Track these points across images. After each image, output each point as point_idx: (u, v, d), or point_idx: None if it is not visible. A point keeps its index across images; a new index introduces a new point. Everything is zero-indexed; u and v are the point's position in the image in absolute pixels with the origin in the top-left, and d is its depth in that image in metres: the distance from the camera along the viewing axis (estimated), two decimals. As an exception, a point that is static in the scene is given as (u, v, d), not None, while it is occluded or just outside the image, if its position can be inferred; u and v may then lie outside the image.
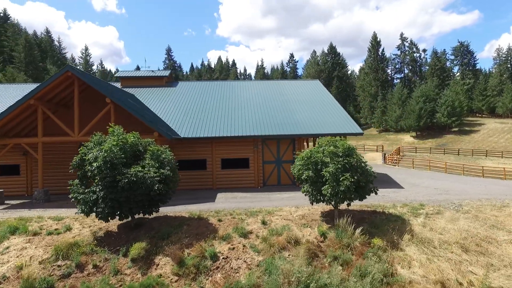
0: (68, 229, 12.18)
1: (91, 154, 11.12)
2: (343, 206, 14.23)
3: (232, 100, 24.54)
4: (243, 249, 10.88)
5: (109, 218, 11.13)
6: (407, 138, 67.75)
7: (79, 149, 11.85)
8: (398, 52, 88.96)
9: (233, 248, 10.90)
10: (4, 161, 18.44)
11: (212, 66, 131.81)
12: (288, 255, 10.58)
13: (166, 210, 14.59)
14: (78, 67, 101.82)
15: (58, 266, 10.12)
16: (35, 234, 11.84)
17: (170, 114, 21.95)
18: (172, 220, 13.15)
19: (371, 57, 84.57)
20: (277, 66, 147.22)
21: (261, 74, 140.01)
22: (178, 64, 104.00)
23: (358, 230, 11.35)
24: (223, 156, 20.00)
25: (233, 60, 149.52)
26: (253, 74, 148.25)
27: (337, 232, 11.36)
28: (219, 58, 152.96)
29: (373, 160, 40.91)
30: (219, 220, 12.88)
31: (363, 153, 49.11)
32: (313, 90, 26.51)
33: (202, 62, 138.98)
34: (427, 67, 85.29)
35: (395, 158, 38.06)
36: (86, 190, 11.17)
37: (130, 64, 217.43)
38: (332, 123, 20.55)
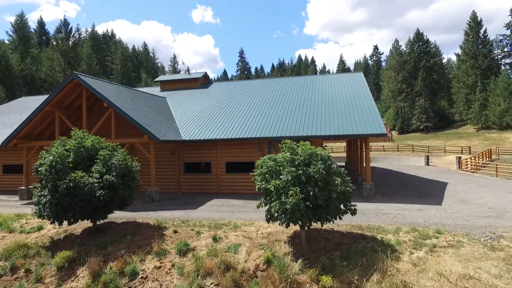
0: (39, 229, 12.74)
1: (44, 158, 11.29)
2: (327, 226, 11.68)
3: (249, 100, 23.05)
4: (169, 269, 9.57)
5: (59, 222, 11.10)
6: (514, 138, 54.84)
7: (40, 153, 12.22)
8: (508, 32, 72.87)
9: (159, 267, 9.68)
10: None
11: (292, 63, 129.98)
12: (211, 284, 8.86)
13: (142, 216, 14.23)
14: (166, 75, 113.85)
15: (-2, 266, 10.48)
16: (11, 231, 12.70)
17: (185, 115, 21.73)
18: (135, 226, 12.62)
19: (468, 41, 71.25)
20: (360, 60, 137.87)
21: (341, 69, 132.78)
22: (249, 66, 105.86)
23: (297, 263, 8.87)
24: (228, 159, 18.77)
25: (312, 57, 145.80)
26: (333, 70, 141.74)
27: (278, 262, 9.07)
28: (299, 57, 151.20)
29: (449, 164, 34.04)
30: (175, 232, 11.79)
31: (441, 155, 41.57)
32: (349, 84, 23.05)
33: (279, 61, 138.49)
34: (550, 48, 67.71)
35: (477, 163, 30.80)
36: (39, 194, 11.41)
37: (221, 69, 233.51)
38: (354, 122, 17.29)
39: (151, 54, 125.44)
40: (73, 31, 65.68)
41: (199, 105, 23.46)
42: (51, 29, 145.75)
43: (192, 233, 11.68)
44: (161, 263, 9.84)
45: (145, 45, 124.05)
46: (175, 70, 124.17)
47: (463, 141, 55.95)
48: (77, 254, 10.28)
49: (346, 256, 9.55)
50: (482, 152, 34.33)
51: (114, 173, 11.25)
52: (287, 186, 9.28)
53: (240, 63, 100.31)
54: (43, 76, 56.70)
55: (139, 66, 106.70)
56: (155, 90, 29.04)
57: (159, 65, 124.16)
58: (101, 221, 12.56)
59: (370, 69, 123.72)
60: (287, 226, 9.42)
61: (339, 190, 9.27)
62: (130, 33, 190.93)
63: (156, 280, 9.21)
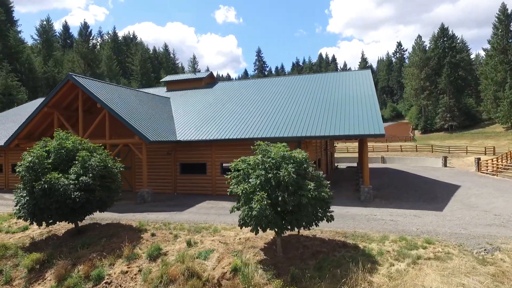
0: (24, 229, 12.90)
1: (24, 159, 11.37)
2: (309, 232, 11.06)
3: (248, 100, 22.56)
4: (135, 275, 9.30)
5: (37, 223, 11.14)
6: (547, 137, 51.11)
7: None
8: (542, 24, 67.91)
9: (126, 272, 9.44)
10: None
11: (311, 62, 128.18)
12: (171, 292, 8.50)
13: (127, 217, 14.13)
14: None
15: (-24, 266, 10.62)
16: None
17: (185, 115, 21.58)
18: (117, 228, 12.50)
19: (497, 35, 67.11)
20: (383, 58, 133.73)
21: (362, 67, 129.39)
22: (267, 65, 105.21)
23: (263, 273, 8.33)
24: (223, 160, 18.40)
25: (333, 56, 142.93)
26: (355, 68, 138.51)
27: (243, 271, 8.57)
28: (320, 55, 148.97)
29: (468, 166, 32.04)
30: (152, 235, 11.56)
31: (462, 156, 39.30)
32: (353, 82, 22.03)
33: (296, 60, 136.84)
34: None
35: (499, 165, 28.75)
36: (19, 194, 11.49)
37: (243, 68, 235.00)
38: (350, 122, 16.41)
39: (171, 55, 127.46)
40: (93, 34, 67.69)
41: (200, 105, 23.26)
42: (76, 33, 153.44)
43: (169, 237, 11.40)
44: (129, 267, 9.60)
45: (165, 46, 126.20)
46: (195, 70, 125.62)
47: (490, 141, 52.86)
48: (48, 256, 10.24)
49: (320, 267, 8.92)
50: (506, 153, 32.07)
51: (91, 175, 11.14)
52: (256, 190, 8.76)
53: (257, 63, 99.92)
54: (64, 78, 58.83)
55: (159, 67, 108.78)
56: (161, 91, 29.19)
57: (179, 65, 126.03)
58: (85, 223, 12.51)
59: (393, 66, 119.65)
60: (256, 232, 8.89)
61: (311, 195, 8.63)
62: (155, 35, 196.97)
63: (120, 285, 8.97)
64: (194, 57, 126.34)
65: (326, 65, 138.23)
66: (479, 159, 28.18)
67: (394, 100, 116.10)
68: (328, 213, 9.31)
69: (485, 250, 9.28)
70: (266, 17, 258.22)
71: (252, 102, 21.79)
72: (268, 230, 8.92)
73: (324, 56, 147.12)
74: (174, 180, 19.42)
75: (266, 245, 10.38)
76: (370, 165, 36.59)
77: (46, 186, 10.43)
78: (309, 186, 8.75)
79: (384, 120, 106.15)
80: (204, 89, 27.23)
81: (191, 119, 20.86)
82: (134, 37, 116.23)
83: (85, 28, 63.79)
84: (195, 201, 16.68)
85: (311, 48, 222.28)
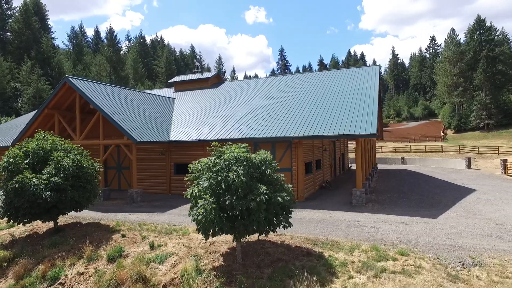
0: (10, 227, 13.37)
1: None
2: (278, 237, 10.49)
3: (246, 99, 22.08)
4: (89, 276, 9.21)
5: (14, 221, 11.43)
6: None
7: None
8: None
9: (82, 273, 9.38)
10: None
11: (334, 60, 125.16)
12: (117, 296, 8.30)
13: (110, 217, 14.25)
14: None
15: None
16: (-12, 228, 13.51)
17: (184, 116, 21.57)
18: (94, 228, 12.61)
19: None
20: (416, 53, 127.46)
21: (393, 64, 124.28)
22: (290, 64, 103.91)
23: (206, 280, 7.85)
24: (215, 161, 18.06)
25: (362, 53, 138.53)
26: (384, 65, 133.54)
27: (187, 278, 8.17)
28: (348, 52, 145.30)
29: (496, 168, 29.43)
30: (123, 236, 11.49)
31: (493, 157, 36.27)
32: (357, 80, 20.86)
33: (319, 59, 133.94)
34: None
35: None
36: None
37: (270, 69, 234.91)
38: (344, 121, 15.48)
39: (198, 57, 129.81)
40: (118, 38, 70.46)
41: (200, 105, 23.17)
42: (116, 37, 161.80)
43: (138, 238, 11.28)
44: (86, 269, 9.55)
45: (192, 48, 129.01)
46: (220, 71, 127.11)
47: (529, 141, 48.53)
48: (15, 255, 10.46)
49: (272, 276, 8.32)
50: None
51: (62, 175, 11.26)
52: (205, 193, 8.35)
53: (280, 62, 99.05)
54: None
55: (185, 69, 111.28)
56: (170, 91, 29.53)
57: (205, 66, 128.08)
58: (68, 221, 12.74)
59: (426, 62, 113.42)
60: (206, 238, 8.46)
61: (260, 200, 8.05)
62: (187, 37, 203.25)
63: (71, 287, 8.92)
64: (220, 58, 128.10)
65: (354, 62, 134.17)
66: (505, 160, 25.74)
67: (427, 98, 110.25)
68: (283, 220, 8.67)
69: (463, 264, 8.21)
70: (297, 16, 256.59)
71: (249, 102, 21.34)
72: (221, 235, 8.47)
73: (354, 53, 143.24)
74: (169, 181, 19.43)
75: (228, 251, 9.93)
76: (387, 166, 34.78)
77: (17, 186, 10.66)
78: (260, 190, 8.18)
79: (415, 118, 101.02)
80: (209, 89, 27.15)
81: (188, 119, 20.81)
82: (162, 40, 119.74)
83: (110, 33, 66.56)
84: (182, 203, 16.52)
85: (343, 46, 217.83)
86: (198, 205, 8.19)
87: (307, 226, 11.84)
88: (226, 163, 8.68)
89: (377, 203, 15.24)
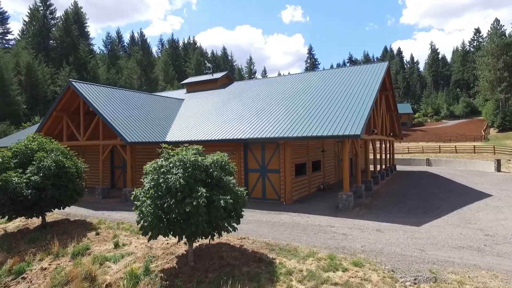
0: (6, 222, 14.38)
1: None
2: (236, 240, 10.28)
3: (248, 99, 21.88)
4: (49, 272, 9.62)
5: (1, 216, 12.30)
6: None
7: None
8: None
9: (45, 269, 9.81)
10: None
11: (364, 56, 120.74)
12: (64, 293, 8.58)
13: (97, 215, 14.82)
14: (244, 76, 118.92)
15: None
16: (-9, 222, 14.64)
17: (185, 117, 21.92)
18: (77, 225, 13.22)
19: None
20: (458, 47, 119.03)
21: (432, 59, 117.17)
22: (318, 62, 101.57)
23: (146, 282, 7.84)
24: (207, 161, 18.15)
25: (398, 48, 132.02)
26: (423, 61, 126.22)
27: (126, 279, 8.23)
28: (384, 48, 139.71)
29: (529, 172, 26.59)
30: (97, 234, 11.92)
31: (531, 160, 32.83)
32: (359, 78, 19.82)
33: (349, 56, 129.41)
34: None
35: None
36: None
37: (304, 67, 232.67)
38: (331, 122, 14.80)
39: (229, 58, 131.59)
40: (149, 42, 73.29)
41: (203, 106, 23.40)
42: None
43: (109, 237, 11.62)
44: (50, 265, 10.00)
45: (224, 49, 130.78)
46: (250, 71, 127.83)
47: None
48: (-5, 248, 11.23)
49: (213, 281, 8.14)
50: None
51: (41, 174, 11.90)
52: (147, 195, 8.38)
53: (308, 60, 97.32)
54: (123, 83, 64.96)
55: (216, 70, 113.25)
56: (182, 93, 30.19)
57: (236, 67, 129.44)
58: (58, 218, 13.42)
59: (469, 56, 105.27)
60: (148, 239, 8.49)
61: (197, 203, 7.90)
62: (224, 39, 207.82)
63: (30, 281, 9.39)
64: (251, 59, 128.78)
65: (390, 59, 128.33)
66: (537, 163, 23.12)
67: (470, 94, 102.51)
68: (229, 223, 8.46)
69: (415, 279, 7.48)
70: (334, 14, 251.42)
71: (249, 102, 21.16)
72: (163, 237, 8.46)
73: (390, 49, 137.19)
74: (167, 180, 19.82)
75: (185, 253, 9.89)
76: (409, 168, 32.75)
77: (0, 183, 11.45)
78: (199, 193, 8.04)
79: (455, 117, 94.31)
80: (218, 89, 27.34)
81: (188, 120, 21.11)
82: (194, 42, 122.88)
83: (141, 37, 69.56)
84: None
85: (383, 42, 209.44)
86: (137, 207, 8.28)
87: (276, 230, 11.47)
88: (171, 165, 8.64)
89: (366, 208, 14.38)
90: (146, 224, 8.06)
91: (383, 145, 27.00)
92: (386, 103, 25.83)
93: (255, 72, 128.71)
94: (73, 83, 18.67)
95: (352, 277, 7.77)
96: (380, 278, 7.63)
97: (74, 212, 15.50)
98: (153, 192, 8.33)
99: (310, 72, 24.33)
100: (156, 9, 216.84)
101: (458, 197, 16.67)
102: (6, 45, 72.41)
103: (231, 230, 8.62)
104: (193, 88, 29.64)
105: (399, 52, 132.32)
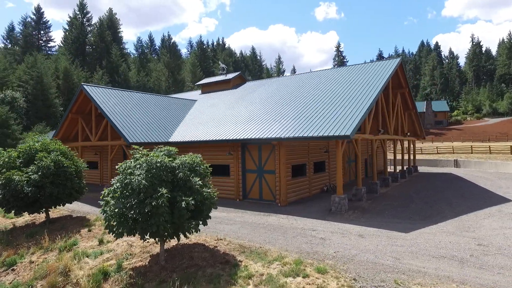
0: (18, 217, 15.50)
1: (2, 159, 13.70)
2: (212, 241, 10.33)
3: (254, 100, 21.80)
4: (35, 265, 10.24)
5: (7, 211, 13.28)
6: None
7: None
8: None
9: (33, 262, 10.46)
10: (88, 159, 24.98)
11: (395, 52, 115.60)
12: (40, 285, 9.07)
13: (97, 212, 15.50)
14: (273, 75, 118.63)
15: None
16: (3, 216, 15.87)
17: (192, 118, 22.33)
18: (77, 221, 13.95)
19: None
20: (504, 39, 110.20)
21: (473, 53, 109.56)
22: (346, 60, 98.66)
23: (115, 278, 8.08)
24: (210, 161, 18.32)
25: (436, 43, 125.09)
26: (463, 56, 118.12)
27: (94, 276, 8.54)
28: (421, 42, 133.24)
29: None
30: (89, 230, 12.53)
31: None
32: (363, 77, 18.85)
33: (378, 53, 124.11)
34: None
35: None
36: (1, 188, 13.85)
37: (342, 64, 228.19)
38: (323, 123, 14.36)
39: (258, 57, 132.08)
40: (177, 45, 75.55)
41: (211, 107, 23.68)
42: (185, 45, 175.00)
43: (99, 234, 12.13)
44: (38, 258, 10.65)
45: (252, 49, 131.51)
46: (279, 70, 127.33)
47: None
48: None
49: (174, 282, 8.22)
50: None
51: (40, 173, 12.69)
52: (113, 195, 8.66)
53: (336, 58, 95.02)
54: (152, 85, 67.55)
55: (245, 70, 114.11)
56: (196, 94, 30.77)
57: (265, 66, 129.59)
58: (64, 214, 14.26)
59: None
60: (115, 237, 8.76)
61: (156, 204, 8.02)
62: (257, 39, 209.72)
63: (18, 273, 10.06)
64: (279, 58, 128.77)
65: (426, 54, 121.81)
66: None
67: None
68: (190, 224, 8.51)
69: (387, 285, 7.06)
70: (371, 9, 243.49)
71: (251, 103, 21.10)
72: (119, 237, 8.68)
73: (427, 44, 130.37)
74: (172, 180, 20.33)
75: (160, 252, 10.09)
76: (434, 169, 30.84)
77: (3, 181, 12.39)
78: (158, 194, 8.16)
79: (498, 114, 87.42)
80: (229, 90, 27.51)
81: (193, 121, 21.48)
82: (223, 43, 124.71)
83: (168, 40, 71.89)
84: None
85: (422, 36, 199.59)
86: (103, 206, 8.58)
87: (257, 232, 11.34)
88: (138, 166, 8.85)
89: (361, 212, 13.78)
90: (110, 223, 8.34)
91: (400, 145, 25.67)
92: (403, 101, 24.56)
93: (284, 71, 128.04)
94: (84, 86, 19.69)
95: (309, 283, 7.50)
96: (338, 286, 7.30)
97: (79, 208, 16.38)
98: (119, 192, 8.59)
99: (314, 72, 23.78)
100: (191, 12, 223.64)
101: (471, 202, 15.46)
102: (49, 52, 78.09)
103: (194, 231, 8.67)
104: (207, 89, 30.08)
105: (437, 46, 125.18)
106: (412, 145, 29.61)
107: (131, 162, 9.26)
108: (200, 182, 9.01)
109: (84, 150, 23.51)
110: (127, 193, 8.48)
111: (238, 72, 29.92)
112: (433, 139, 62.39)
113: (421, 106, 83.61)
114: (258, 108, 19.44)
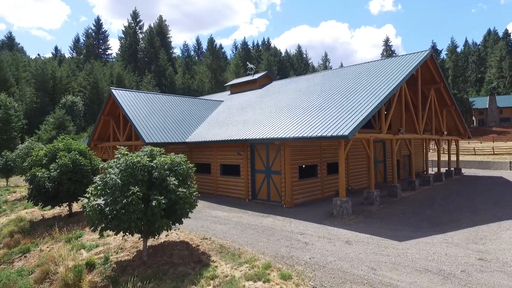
0: (49, 209, 17.20)
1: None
2: (198, 240, 10.52)
3: (272, 99, 21.56)
4: (44, 253, 11.30)
5: (35, 205, 14.85)
6: None
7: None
8: None
9: (42, 251, 11.56)
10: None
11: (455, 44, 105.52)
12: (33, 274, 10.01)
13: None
14: (318, 71, 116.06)
15: None
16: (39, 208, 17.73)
17: (212, 118, 22.82)
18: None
19: None
20: None
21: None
22: (395, 54, 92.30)
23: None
24: (222, 161, 18.65)
25: (505, 31, 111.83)
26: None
27: (81, 267, 9.18)
28: (488, 31, 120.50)
29: None
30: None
31: None
32: (383, 72, 17.60)
33: (431, 45, 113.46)
34: None
35: None
36: (32, 184, 15.49)
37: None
38: (327, 123, 13.71)
39: (304, 55, 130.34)
40: (220, 47, 77.51)
41: (233, 107, 23.96)
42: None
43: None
44: (47, 247, 11.76)
45: (298, 47, 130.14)
46: (325, 68, 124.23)
47: None
48: (20, 230, 13.64)
49: (144, 278, 8.53)
50: None
51: (58, 170, 13.99)
52: (96, 192, 9.24)
53: (384, 53, 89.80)
54: (196, 87, 70.30)
55: (290, 69, 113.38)
56: (225, 95, 31.38)
57: (311, 64, 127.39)
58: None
59: None
60: (95, 232, 9.30)
61: (126, 202, 8.38)
62: (308, 37, 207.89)
63: (27, 260, 11.22)
64: (326, 55, 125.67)
65: (492, 44, 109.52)
66: None
67: None
68: (161, 223, 8.75)
69: (327, 301, 6.61)
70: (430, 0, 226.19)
71: (266, 103, 20.91)
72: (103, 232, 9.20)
73: (494, 32, 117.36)
74: (191, 178, 20.99)
75: (146, 248, 10.52)
76: (484, 172, 27.66)
77: (29, 177, 13.91)
78: (132, 191, 8.52)
79: None
80: (255, 90, 27.54)
81: (212, 122, 21.92)
82: (268, 43, 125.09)
83: (211, 42, 74.15)
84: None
85: (492, 24, 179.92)
86: (86, 203, 9.18)
87: (245, 233, 11.24)
88: (117, 165, 9.33)
89: (365, 216, 12.90)
90: (90, 220, 8.88)
91: (436, 146, 23.50)
92: (439, 98, 22.47)
93: (331, 69, 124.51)
94: (112, 90, 21.21)
95: (264, 288, 7.27)
96: (299, 293, 6.97)
97: (101, 204, 17.66)
98: (100, 190, 9.15)
99: (331, 70, 22.73)
100: (242, 14, 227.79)
101: (503, 211, 13.63)
102: (107, 59, 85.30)
103: (167, 229, 8.93)
104: (235, 89, 30.46)
105: (507, 34, 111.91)
106: (454, 145, 26.94)
107: (113, 161, 9.78)
108: (175, 182, 9.21)
109: (115, 149, 25.28)
110: (106, 191, 9.01)
111: (265, 72, 29.84)
112: (494, 138, 56.01)
113: (482, 102, 75.57)
114: (271, 108, 19.24)
